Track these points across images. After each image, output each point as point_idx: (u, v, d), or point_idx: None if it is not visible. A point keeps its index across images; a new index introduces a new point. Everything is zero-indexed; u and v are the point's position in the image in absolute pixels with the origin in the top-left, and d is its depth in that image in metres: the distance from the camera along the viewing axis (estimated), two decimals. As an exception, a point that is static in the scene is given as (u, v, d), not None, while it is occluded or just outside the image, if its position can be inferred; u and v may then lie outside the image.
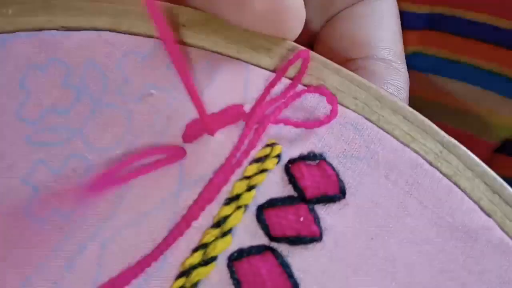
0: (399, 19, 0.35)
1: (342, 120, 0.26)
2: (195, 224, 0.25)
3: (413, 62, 0.48)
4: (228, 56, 0.27)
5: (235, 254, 0.25)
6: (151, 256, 0.25)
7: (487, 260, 0.25)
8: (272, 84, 0.26)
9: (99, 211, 0.26)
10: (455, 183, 0.26)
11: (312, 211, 0.25)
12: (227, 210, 0.25)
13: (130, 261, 0.25)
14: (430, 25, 0.49)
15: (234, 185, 0.25)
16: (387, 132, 0.26)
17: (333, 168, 0.25)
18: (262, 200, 0.25)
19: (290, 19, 0.26)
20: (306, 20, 0.27)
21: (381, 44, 0.33)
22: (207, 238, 0.25)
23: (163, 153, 0.26)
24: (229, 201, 0.25)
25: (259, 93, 0.26)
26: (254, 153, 0.26)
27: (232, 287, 0.25)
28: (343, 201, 0.25)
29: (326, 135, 0.26)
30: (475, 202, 0.26)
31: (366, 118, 0.26)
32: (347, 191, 0.25)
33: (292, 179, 0.25)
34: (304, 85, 0.27)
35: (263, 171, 0.25)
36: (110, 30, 0.28)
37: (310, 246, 0.25)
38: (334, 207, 0.25)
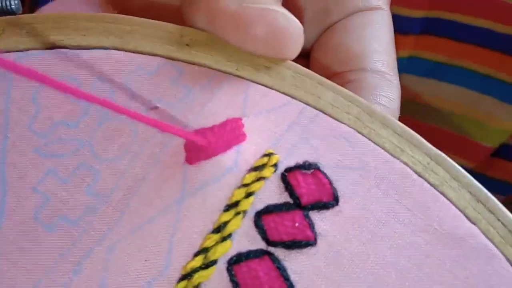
0: (393, 30, 0.36)
1: (336, 133, 0.28)
2: (197, 229, 0.27)
3: (409, 66, 0.49)
4: (229, 73, 0.29)
5: (234, 258, 0.26)
6: None
7: (472, 265, 0.26)
8: None
9: (105, 217, 0.27)
10: (442, 193, 0.27)
11: (307, 217, 0.26)
12: (227, 216, 0.26)
13: (134, 264, 0.26)
14: (426, 30, 0.49)
15: (233, 192, 0.27)
16: (378, 145, 0.28)
17: (327, 177, 0.27)
18: (260, 206, 0.27)
19: (289, 43, 0.28)
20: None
21: (375, 56, 0.34)
22: (208, 243, 0.26)
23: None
24: (228, 207, 0.27)
25: (257, 108, 0.28)
26: (253, 162, 0.27)
27: None
28: (336, 208, 0.27)
29: (321, 146, 0.28)
30: (460, 210, 0.27)
31: (358, 132, 0.28)
32: (340, 199, 0.27)
33: (288, 187, 0.27)
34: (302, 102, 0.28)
35: (260, 179, 0.27)
36: (117, 49, 0.29)
37: (305, 250, 0.26)
38: (328, 213, 0.27)
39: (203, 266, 0.26)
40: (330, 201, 0.27)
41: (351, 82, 0.33)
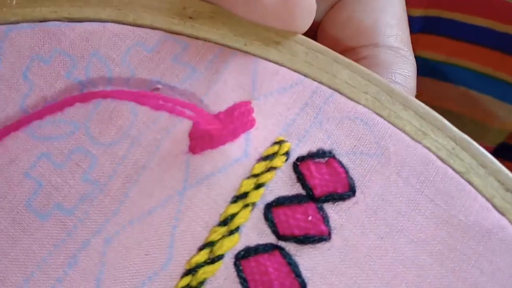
0: (405, 6, 0.34)
1: (352, 115, 0.26)
2: (201, 222, 0.25)
3: None
4: (236, 49, 0.26)
5: (242, 253, 0.24)
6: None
7: (500, 260, 0.24)
8: None
9: (102, 207, 0.25)
10: (467, 181, 0.25)
11: (321, 210, 0.24)
12: (234, 208, 0.25)
13: (133, 258, 0.25)
14: (425, 29, 0.49)
15: (241, 183, 0.25)
16: (398, 128, 0.25)
17: (343, 165, 0.25)
18: (270, 198, 0.25)
19: (301, 14, 0.26)
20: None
21: (388, 31, 0.32)
22: (214, 236, 0.24)
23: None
24: (236, 199, 0.25)
25: (267, 89, 0.26)
26: (263, 150, 0.25)
27: (239, 285, 0.24)
28: (352, 199, 0.25)
29: (335, 131, 0.25)
30: (488, 200, 0.25)
31: (377, 113, 0.26)
32: (356, 189, 0.25)
33: (300, 177, 0.25)
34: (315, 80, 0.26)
35: (271, 169, 0.25)
36: (115, 22, 0.27)
37: (319, 245, 0.24)
38: (343, 205, 0.25)
39: (208, 260, 0.24)
40: (345, 192, 0.25)
41: (363, 59, 0.31)
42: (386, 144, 0.25)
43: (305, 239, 0.24)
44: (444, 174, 0.25)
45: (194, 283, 0.24)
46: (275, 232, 0.24)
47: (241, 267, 0.24)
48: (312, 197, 0.25)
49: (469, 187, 0.25)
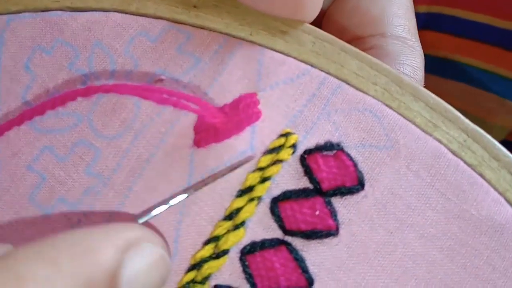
0: None
1: (361, 106, 0.25)
2: (206, 216, 0.24)
3: None
4: (241, 38, 0.26)
5: (248, 248, 0.24)
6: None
7: None
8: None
9: (107, 201, 0.25)
10: (480, 174, 0.24)
11: (329, 204, 0.24)
12: (240, 202, 0.24)
13: None
14: (427, 25, 0.48)
15: (247, 176, 0.24)
16: (408, 120, 0.25)
17: (351, 158, 0.24)
18: (276, 192, 0.24)
19: (309, 2, 0.25)
20: None
21: (395, 21, 0.31)
22: (219, 231, 0.24)
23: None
24: (241, 193, 0.24)
25: (273, 79, 0.25)
26: (269, 143, 0.25)
27: (244, 281, 0.24)
28: (361, 193, 0.24)
29: (344, 123, 0.25)
30: (500, 193, 0.24)
31: (386, 105, 0.25)
32: (365, 183, 0.24)
33: (307, 171, 0.24)
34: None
35: (277, 162, 0.24)
36: (118, 11, 0.26)
37: (326, 240, 0.24)
38: (351, 199, 0.24)
39: (213, 255, 0.24)
40: (354, 186, 0.24)
41: (370, 49, 0.30)
42: (396, 136, 0.25)
43: (312, 234, 0.24)
44: (456, 167, 0.24)
45: (199, 278, 0.24)
46: (282, 226, 0.24)
47: (246, 262, 0.24)
48: (319, 191, 0.24)
49: (481, 180, 0.24)
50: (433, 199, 0.24)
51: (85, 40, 0.26)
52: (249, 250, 0.24)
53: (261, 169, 0.24)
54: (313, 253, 0.24)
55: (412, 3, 0.33)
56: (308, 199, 0.24)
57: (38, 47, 0.26)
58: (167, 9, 0.26)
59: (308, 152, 0.24)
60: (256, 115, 0.24)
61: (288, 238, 0.24)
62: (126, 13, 0.26)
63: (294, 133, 0.25)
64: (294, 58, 0.25)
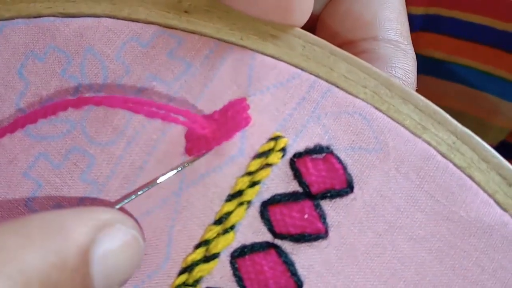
0: (404, 1, 0.33)
1: (351, 109, 0.25)
2: (197, 221, 0.24)
3: None
4: (232, 43, 0.26)
5: (238, 251, 0.24)
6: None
7: (502, 257, 0.24)
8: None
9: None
10: (469, 176, 0.24)
11: (318, 207, 0.24)
12: (229, 206, 0.24)
13: None
14: (426, 27, 0.48)
15: (236, 181, 0.24)
16: (398, 122, 0.25)
17: (340, 161, 0.24)
18: (266, 196, 0.24)
19: (299, 7, 0.25)
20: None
21: (388, 24, 0.31)
22: (209, 235, 0.24)
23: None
24: (231, 197, 0.24)
25: (264, 84, 0.25)
26: (258, 147, 0.25)
27: (235, 284, 0.24)
28: (350, 196, 0.24)
29: (333, 126, 0.25)
30: (489, 195, 0.24)
31: (376, 108, 0.25)
32: (355, 185, 0.24)
33: (297, 174, 0.24)
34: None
35: (266, 166, 0.24)
36: (110, 17, 0.27)
37: (315, 243, 0.24)
38: (341, 202, 0.24)
39: (204, 259, 0.24)
40: (343, 189, 0.24)
41: (362, 53, 0.30)
42: (385, 139, 0.25)
43: (301, 238, 0.24)
44: (445, 169, 0.24)
45: (190, 281, 0.24)
46: (271, 230, 0.24)
47: (236, 266, 0.24)
48: (309, 194, 0.24)
49: (470, 182, 0.24)
50: (422, 201, 0.24)
51: (77, 46, 0.26)
52: (239, 254, 0.24)
53: (251, 173, 0.24)
54: (303, 256, 0.24)
55: (404, 7, 0.33)
56: (298, 202, 0.24)
57: (31, 54, 0.27)
58: (159, 14, 0.26)
59: (298, 155, 0.25)
60: (246, 121, 0.25)
61: (278, 242, 0.24)
62: (118, 18, 0.27)
63: (283, 137, 0.25)
64: (285, 62, 0.26)
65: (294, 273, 0.24)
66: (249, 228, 0.24)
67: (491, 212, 0.24)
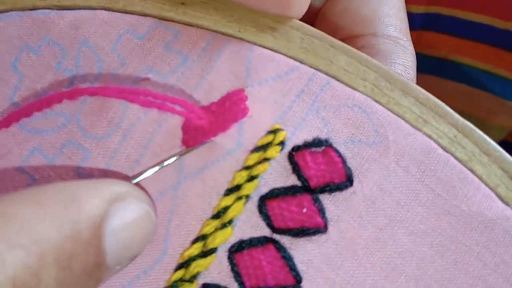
0: None
1: (350, 102, 0.25)
2: (195, 215, 0.24)
3: None
4: (230, 35, 0.25)
5: (236, 246, 0.24)
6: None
7: (504, 252, 0.23)
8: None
9: None
10: (470, 169, 0.24)
11: (317, 201, 0.24)
12: (227, 201, 0.24)
13: None
14: (427, 25, 0.48)
15: (234, 175, 0.24)
16: (398, 115, 0.24)
17: (340, 155, 0.24)
18: (264, 190, 0.24)
19: None
20: None
21: (387, 20, 0.31)
22: (207, 229, 0.24)
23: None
24: (229, 192, 0.24)
25: (262, 76, 0.25)
26: (257, 140, 0.24)
27: (233, 279, 0.24)
28: (350, 189, 0.24)
29: (332, 119, 0.24)
30: (491, 189, 0.24)
31: (376, 101, 0.25)
32: (354, 179, 0.24)
33: (296, 168, 0.24)
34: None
35: (265, 160, 0.24)
36: (105, 9, 0.26)
37: (314, 238, 0.24)
38: (340, 196, 0.24)
39: (201, 254, 0.24)
40: (342, 182, 0.24)
41: (361, 49, 0.30)
42: (385, 132, 0.24)
43: (300, 232, 0.23)
44: (446, 162, 0.24)
45: (187, 277, 0.24)
46: (270, 225, 0.24)
47: (234, 261, 0.24)
48: (307, 188, 0.24)
49: (471, 176, 0.24)
50: (423, 195, 0.24)
51: (72, 39, 0.26)
52: (237, 249, 0.24)
53: (249, 167, 0.24)
54: (301, 251, 0.24)
55: (404, 3, 0.33)
56: (296, 196, 0.24)
57: (26, 47, 0.26)
58: (155, 6, 0.26)
59: (296, 149, 0.24)
60: (243, 112, 0.24)
61: (276, 236, 0.24)
62: (113, 10, 0.26)
63: (282, 130, 0.24)
64: (283, 54, 0.25)
65: (293, 268, 0.23)
66: (247, 223, 0.24)
67: (493, 206, 0.24)
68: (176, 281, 0.24)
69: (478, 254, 0.23)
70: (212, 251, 0.24)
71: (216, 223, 0.24)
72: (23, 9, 0.27)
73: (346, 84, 0.25)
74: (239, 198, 0.24)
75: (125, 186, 0.21)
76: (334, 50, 0.25)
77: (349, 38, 0.31)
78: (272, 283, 0.23)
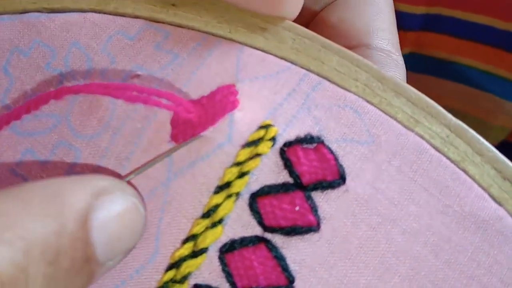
0: (394, 13, 0.34)
1: (342, 103, 0.24)
2: (186, 213, 0.24)
3: (410, 63, 0.48)
4: (220, 36, 0.25)
5: (227, 246, 0.23)
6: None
7: (497, 252, 0.23)
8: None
9: None
10: (463, 169, 0.24)
11: (309, 199, 0.23)
12: (218, 198, 0.23)
13: None
14: (427, 26, 0.48)
15: (225, 171, 0.24)
16: (390, 116, 0.24)
17: (332, 152, 0.24)
18: (255, 187, 0.24)
19: None
20: (304, 3, 0.26)
21: (380, 34, 0.31)
22: (197, 229, 0.23)
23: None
24: (219, 189, 0.24)
25: (252, 74, 0.25)
26: (248, 135, 0.24)
27: (224, 280, 0.23)
28: (342, 187, 0.24)
29: (324, 117, 0.24)
30: (484, 189, 0.24)
31: (367, 101, 0.24)
32: (347, 177, 0.24)
33: (287, 164, 0.24)
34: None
35: (256, 155, 0.24)
36: (96, 11, 0.26)
37: (307, 236, 0.23)
38: (332, 194, 0.23)
39: (192, 254, 0.23)
40: (335, 180, 0.23)
41: None
42: (377, 132, 0.24)
43: (292, 231, 0.23)
44: (438, 163, 0.24)
45: (178, 277, 0.23)
46: (261, 223, 0.23)
47: (225, 261, 0.23)
48: (299, 185, 0.23)
49: (464, 176, 0.24)
50: (416, 194, 0.23)
51: (63, 40, 0.26)
52: (228, 249, 0.23)
53: (239, 163, 0.24)
54: (294, 250, 0.23)
55: (395, 19, 0.33)
56: (288, 193, 0.23)
57: (16, 49, 0.26)
58: (146, 8, 0.26)
59: (288, 144, 0.24)
60: (232, 104, 0.24)
61: (268, 235, 0.23)
62: (104, 13, 0.26)
63: (274, 125, 0.24)
64: (274, 55, 0.25)
65: (285, 268, 0.23)
66: (238, 222, 0.23)
67: (485, 206, 0.24)
68: (167, 282, 0.23)
69: (472, 254, 0.23)
70: (203, 251, 0.23)
71: (206, 222, 0.23)
72: (13, 12, 0.27)
73: (338, 85, 0.25)
74: (230, 195, 0.23)
75: (110, 180, 0.20)
76: (326, 51, 0.25)
77: None
78: (264, 284, 0.23)
